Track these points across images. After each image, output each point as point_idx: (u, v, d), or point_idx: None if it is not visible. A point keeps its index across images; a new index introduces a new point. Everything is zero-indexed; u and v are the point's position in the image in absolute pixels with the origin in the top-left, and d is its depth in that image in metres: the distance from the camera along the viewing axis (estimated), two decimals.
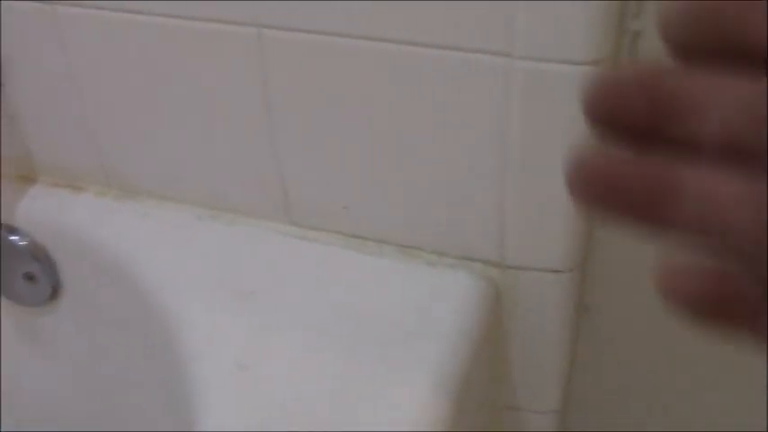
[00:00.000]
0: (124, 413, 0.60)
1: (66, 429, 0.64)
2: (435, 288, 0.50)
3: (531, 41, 0.39)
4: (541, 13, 0.38)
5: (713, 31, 0.15)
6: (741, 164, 0.14)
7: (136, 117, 0.54)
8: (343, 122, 0.48)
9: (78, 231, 0.57)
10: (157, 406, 0.54)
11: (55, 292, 0.58)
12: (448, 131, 0.45)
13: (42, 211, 0.58)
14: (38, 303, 0.60)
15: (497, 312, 0.52)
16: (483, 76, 0.42)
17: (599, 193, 0.15)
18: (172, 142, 0.54)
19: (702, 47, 0.15)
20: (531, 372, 0.56)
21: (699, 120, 0.14)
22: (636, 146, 0.15)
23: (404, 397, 0.43)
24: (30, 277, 0.58)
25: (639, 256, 0.50)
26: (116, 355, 0.57)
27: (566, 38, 0.39)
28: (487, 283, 0.51)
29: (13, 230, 0.57)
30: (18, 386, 0.64)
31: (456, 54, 0.42)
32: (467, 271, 0.51)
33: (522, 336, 0.53)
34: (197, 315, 0.48)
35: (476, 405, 0.51)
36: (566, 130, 0.42)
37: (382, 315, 0.48)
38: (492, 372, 0.54)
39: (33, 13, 0.51)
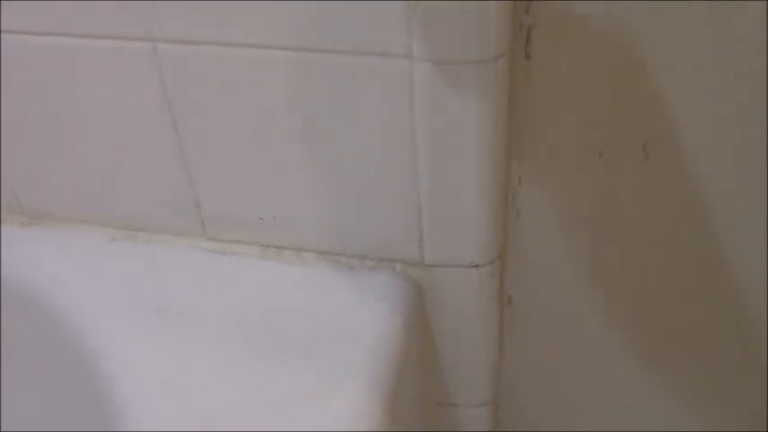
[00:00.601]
0: None
1: None
2: (357, 291, 0.50)
3: (429, 43, 0.40)
4: (437, 16, 0.39)
5: None
6: None
7: (38, 140, 0.52)
8: (252, 133, 0.47)
9: None
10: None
11: None
12: (357, 136, 0.45)
13: None
14: None
15: (422, 310, 0.52)
16: (387, 79, 0.42)
17: None
18: (79, 164, 0.53)
19: None
20: (460, 366, 0.56)
21: None
22: None
23: (335, 403, 0.43)
24: None
25: (557, 246, 0.52)
26: (32, 386, 0.55)
27: (463, 37, 0.39)
28: (409, 283, 0.51)
29: None
30: None
31: (359, 58, 0.42)
32: (388, 272, 0.51)
33: (448, 332, 0.54)
34: (115, 337, 0.47)
35: (409, 405, 0.51)
36: (470, 125, 0.43)
37: (306, 323, 0.48)
38: (422, 369, 0.54)
39: None
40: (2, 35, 0.47)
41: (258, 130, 0.47)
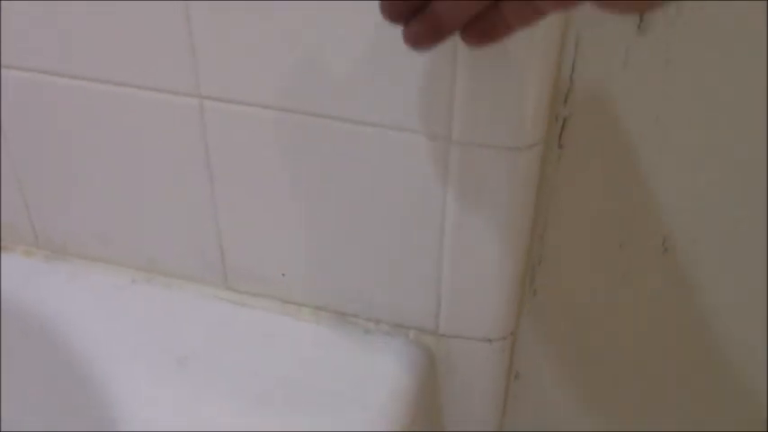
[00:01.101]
0: None
1: None
2: (371, 355, 0.51)
3: (468, 127, 0.42)
4: (479, 101, 0.41)
5: None
6: None
7: (68, 176, 0.53)
8: (284, 191, 0.48)
9: (3, 292, 0.55)
10: None
11: None
12: (387, 207, 0.47)
13: None
14: None
15: (432, 378, 0.53)
16: (423, 156, 0.44)
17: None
18: (106, 203, 0.54)
19: None
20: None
21: None
22: None
23: None
24: None
25: (566, 325, 0.53)
26: (44, 422, 0.55)
27: (502, 124, 0.41)
28: (422, 350, 0.52)
29: None
30: None
31: (398, 134, 0.44)
32: (402, 338, 0.52)
33: (455, 400, 0.54)
34: (129, 381, 0.47)
35: None
36: (500, 208, 0.44)
37: (320, 381, 0.49)
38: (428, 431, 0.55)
39: None
40: (48, 77, 0.49)
41: (290, 191, 0.48)
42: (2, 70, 0.49)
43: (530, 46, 0.39)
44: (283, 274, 0.52)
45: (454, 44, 0.39)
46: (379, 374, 0.50)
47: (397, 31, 0.32)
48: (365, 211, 0.47)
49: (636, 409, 0.56)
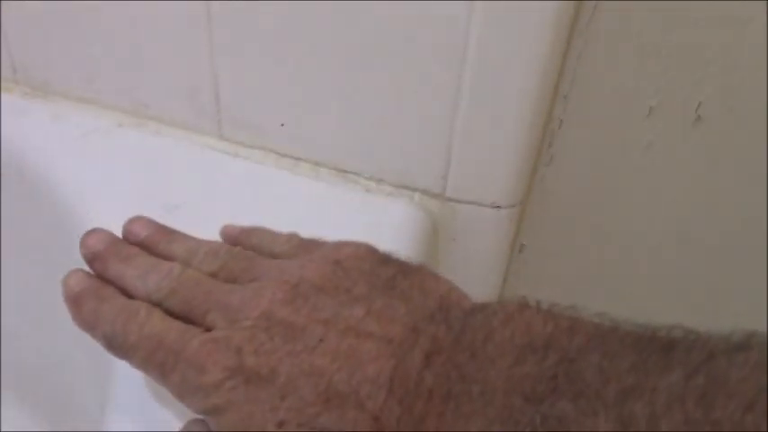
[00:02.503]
0: (36, 331, 0.56)
1: None
2: (371, 216, 0.48)
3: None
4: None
5: None
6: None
7: (50, 3, 0.49)
8: (290, 35, 0.44)
9: None
10: (69, 324, 0.50)
11: None
12: (399, 48, 0.43)
13: None
14: None
15: (433, 245, 0.50)
16: None
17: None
18: (92, 37, 0.49)
19: None
20: None
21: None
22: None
23: None
24: None
25: (580, 198, 0.50)
26: (25, 266, 0.53)
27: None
28: (425, 214, 0.49)
29: None
30: None
31: None
32: (405, 200, 0.49)
33: (456, 270, 0.52)
34: (114, 227, 0.44)
35: None
36: (527, 58, 0.40)
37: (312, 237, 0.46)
38: None
39: None
40: None
41: (297, 34, 0.44)
42: None
43: None
44: (282, 125, 0.49)
45: None
46: (377, 236, 0.47)
47: None
48: (374, 55, 0.43)
49: (642, 295, 0.54)
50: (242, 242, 0.36)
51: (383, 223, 0.47)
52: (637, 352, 0.20)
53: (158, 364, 0.28)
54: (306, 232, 0.46)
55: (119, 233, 0.39)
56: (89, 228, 0.44)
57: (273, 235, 0.36)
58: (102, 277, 0.32)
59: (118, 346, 0.29)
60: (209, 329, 0.28)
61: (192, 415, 0.29)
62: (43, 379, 0.57)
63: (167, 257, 0.33)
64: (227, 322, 0.27)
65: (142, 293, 0.31)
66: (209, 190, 0.48)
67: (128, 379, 0.36)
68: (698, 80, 0.42)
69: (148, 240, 0.34)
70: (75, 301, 0.32)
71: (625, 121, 0.45)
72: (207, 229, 0.45)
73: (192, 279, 0.30)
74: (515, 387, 0.22)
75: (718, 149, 0.44)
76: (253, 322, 0.27)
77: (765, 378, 0.18)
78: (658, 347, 0.20)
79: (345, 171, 0.50)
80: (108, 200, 0.46)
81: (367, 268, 0.29)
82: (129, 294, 0.31)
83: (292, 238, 0.35)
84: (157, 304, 0.30)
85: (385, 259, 0.30)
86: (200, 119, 0.50)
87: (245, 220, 0.46)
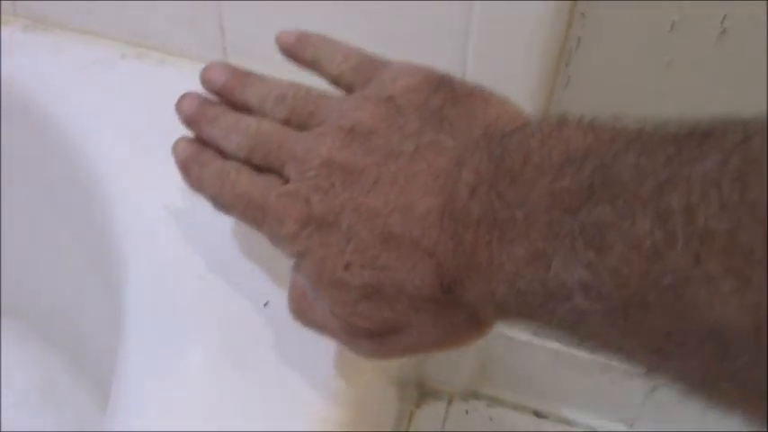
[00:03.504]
0: (41, 264, 0.56)
1: None
2: None
3: None
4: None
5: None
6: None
7: None
8: None
9: None
10: (77, 256, 0.50)
11: None
12: None
13: None
14: None
15: None
16: None
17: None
18: None
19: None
20: None
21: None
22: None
23: None
24: None
25: None
26: (29, 198, 0.52)
27: None
28: None
29: None
30: None
31: None
32: None
33: None
34: (123, 157, 0.43)
35: None
36: None
37: None
38: None
39: None
40: None
41: None
42: None
43: None
44: None
45: None
46: None
47: None
48: None
49: None
50: (298, 55, 0.36)
51: None
52: (673, 144, 0.19)
53: (251, 219, 0.31)
54: None
55: (125, 167, 0.38)
56: (95, 162, 0.44)
57: (331, 50, 0.35)
58: (199, 140, 0.35)
59: (219, 206, 0.33)
60: (287, 181, 0.30)
61: None
62: (58, 315, 0.57)
63: (243, 107, 0.34)
64: (297, 173, 0.29)
65: (231, 153, 0.33)
66: None
67: (138, 315, 0.36)
68: None
69: (225, 89, 0.35)
70: (184, 168, 0.34)
71: (645, 38, 0.43)
72: None
73: (265, 134, 0.32)
74: (554, 202, 0.22)
75: (745, 66, 0.42)
76: (316, 171, 0.28)
77: None
78: (696, 137, 0.19)
79: None
80: (113, 131, 0.45)
81: (419, 100, 0.29)
82: (224, 154, 0.33)
83: (350, 56, 0.34)
84: (246, 161, 0.32)
85: (438, 85, 0.29)
86: (204, 47, 0.49)
87: None
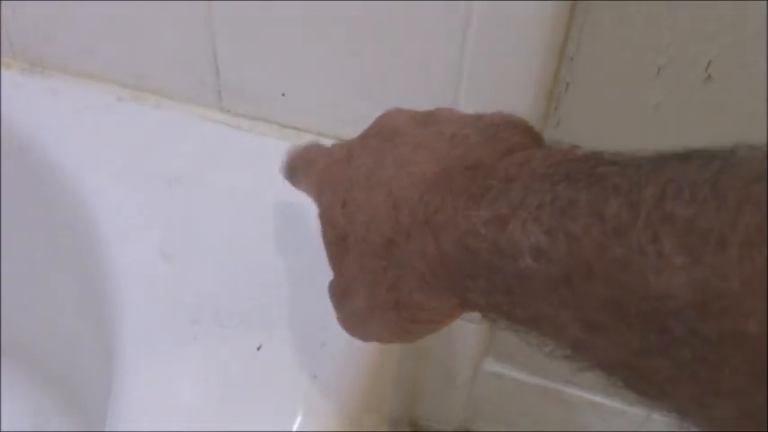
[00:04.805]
0: (35, 304, 0.56)
1: None
2: None
3: None
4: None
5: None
6: None
7: None
8: (290, 3, 0.43)
9: None
10: (71, 298, 0.50)
11: None
12: (402, 15, 0.42)
13: None
14: None
15: None
16: None
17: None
18: (90, 10, 0.48)
19: None
20: None
21: None
22: None
23: None
24: None
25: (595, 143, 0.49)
26: (24, 239, 0.53)
27: None
28: None
29: None
30: None
31: None
32: None
33: None
34: (117, 200, 0.44)
35: None
36: (529, 21, 0.39)
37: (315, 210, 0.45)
38: None
39: None
40: None
41: (292, 2, 0.43)
42: None
43: None
44: (283, 95, 0.48)
45: None
46: None
47: None
48: (375, 22, 0.42)
49: None
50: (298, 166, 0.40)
51: None
52: (660, 160, 0.21)
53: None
54: (311, 206, 0.45)
55: (121, 211, 0.38)
56: (91, 205, 0.44)
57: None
58: None
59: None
60: None
61: None
62: (51, 355, 0.57)
63: None
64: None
65: None
66: (211, 162, 0.47)
67: (132, 356, 0.36)
68: (708, 36, 0.40)
69: None
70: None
71: (633, 82, 0.44)
72: (210, 203, 0.45)
73: None
74: (534, 175, 0.23)
75: (729, 109, 0.43)
76: (368, 133, 0.32)
77: None
78: (681, 154, 0.20)
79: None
80: (108, 174, 0.45)
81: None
82: None
83: None
84: None
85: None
86: (199, 91, 0.50)
87: (247, 192, 0.46)
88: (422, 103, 0.45)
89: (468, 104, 0.44)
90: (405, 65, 0.44)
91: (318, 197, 0.32)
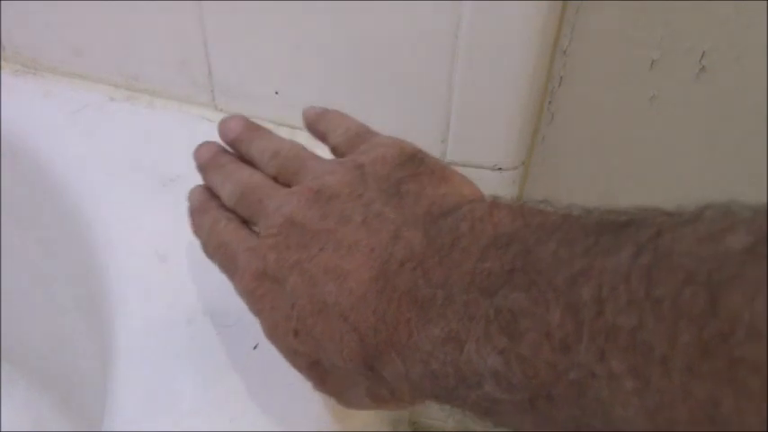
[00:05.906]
0: (32, 306, 0.56)
1: None
2: None
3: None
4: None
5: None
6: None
7: None
8: (282, 1, 0.43)
9: None
10: (67, 299, 0.50)
11: None
12: (395, 15, 0.41)
13: None
14: None
15: None
16: None
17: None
18: (81, 9, 0.48)
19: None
20: None
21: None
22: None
23: None
24: None
25: (584, 155, 0.49)
26: (20, 241, 0.52)
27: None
28: None
29: None
30: None
31: None
32: None
33: None
34: (112, 200, 0.44)
35: None
36: (520, 16, 0.39)
37: None
38: None
39: None
40: None
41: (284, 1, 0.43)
42: None
43: None
44: (276, 93, 0.48)
45: None
46: None
47: None
48: (368, 17, 0.42)
49: None
50: (314, 128, 0.38)
51: None
52: (593, 235, 0.19)
53: (226, 269, 0.31)
54: None
55: (115, 211, 0.39)
56: (86, 206, 0.44)
57: (337, 123, 0.37)
58: (209, 188, 0.35)
59: (206, 253, 0.33)
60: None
61: None
62: (48, 358, 0.57)
63: (249, 160, 0.35)
64: (264, 229, 0.29)
65: (225, 201, 0.33)
66: None
67: (128, 357, 0.36)
68: (702, 28, 0.40)
69: (236, 142, 0.36)
70: (190, 214, 0.35)
71: (627, 75, 0.44)
72: None
73: (252, 186, 0.32)
74: (473, 283, 0.22)
75: (723, 101, 0.43)
76: (277, 229, 0.28)
77: (709, 248, 0.16)
78: (614, 228, 0.19)
79: None
80: (102, 174, 0.45)
81: (384, 172, 0.29)
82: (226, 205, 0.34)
83: (350, 129, 0.35)
84: (234, 211, 0.33)
85: (407, 160, 0.30)
86: (192, 90, 0.49)
87: None
88: (414, 101, 0.45)
89: (461, 100, 0.44)
90: (397, 61, 0.44)
91: (255, 312, 0.30)
